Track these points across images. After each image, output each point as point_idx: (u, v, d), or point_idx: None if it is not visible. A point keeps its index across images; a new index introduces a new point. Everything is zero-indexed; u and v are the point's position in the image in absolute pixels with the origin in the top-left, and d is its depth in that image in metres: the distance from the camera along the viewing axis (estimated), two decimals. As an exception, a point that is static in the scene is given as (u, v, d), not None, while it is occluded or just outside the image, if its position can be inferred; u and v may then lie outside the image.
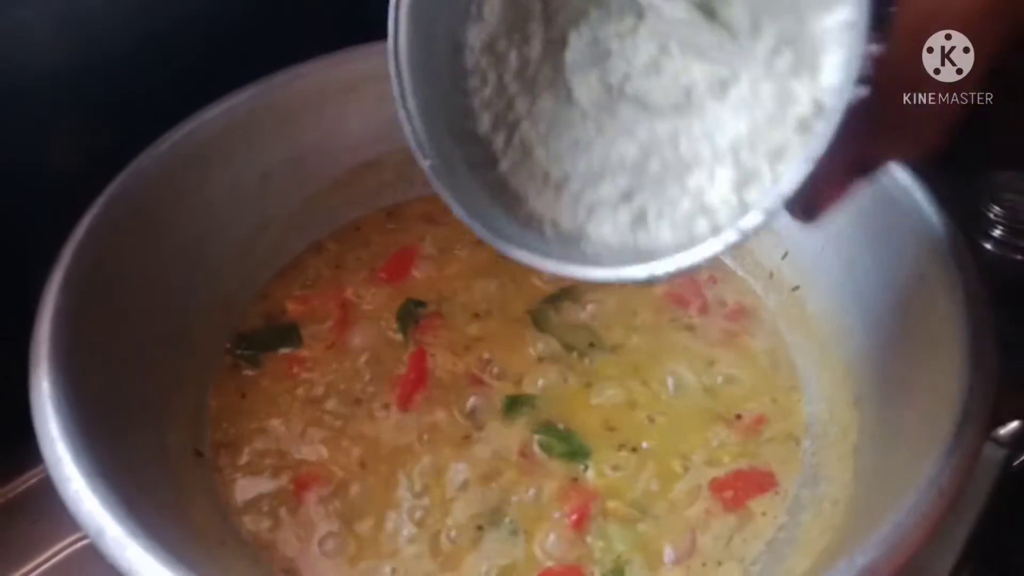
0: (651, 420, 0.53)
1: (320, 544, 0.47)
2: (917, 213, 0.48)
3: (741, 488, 0.49)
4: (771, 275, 0.61)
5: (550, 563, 0.47)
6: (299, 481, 0.50)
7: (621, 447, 0.51)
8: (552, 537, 0.48)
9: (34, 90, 0.55)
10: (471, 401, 0.54)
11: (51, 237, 0.48)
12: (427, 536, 0.48)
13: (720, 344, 0.57)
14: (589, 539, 0.47)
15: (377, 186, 0.67)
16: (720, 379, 0.55)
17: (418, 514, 0.48)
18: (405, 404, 0.53)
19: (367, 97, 0.63)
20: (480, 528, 0.48)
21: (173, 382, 0.52)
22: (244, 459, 0.51)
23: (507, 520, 0.48)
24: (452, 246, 0.63)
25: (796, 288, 0.59)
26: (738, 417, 0.53)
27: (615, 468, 0.50)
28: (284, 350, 0.57)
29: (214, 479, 0.49)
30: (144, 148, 0.54)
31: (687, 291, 0.60)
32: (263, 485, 0.50)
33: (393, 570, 0.46)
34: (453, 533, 0.48)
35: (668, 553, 0.47)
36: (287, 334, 0.57)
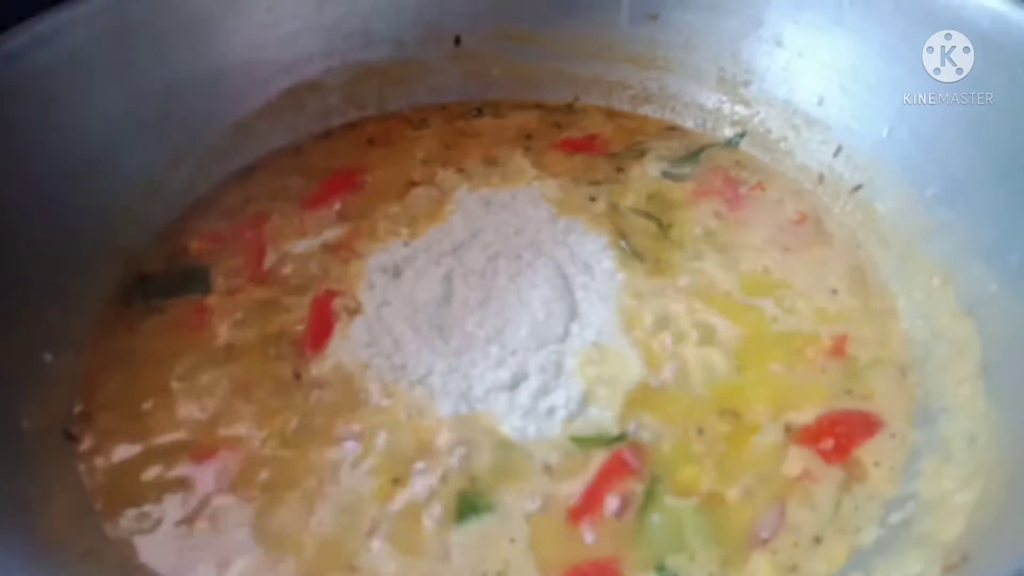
0: (701, 363, 0.40)
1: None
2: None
3: (843, 433, 0.36)
4: (821, 178, 0.48)
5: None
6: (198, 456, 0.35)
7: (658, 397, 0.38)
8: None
9: None
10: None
11: None
12: (397, 527, 0.34)
13: (782, 257, 0.44)
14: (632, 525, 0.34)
15: (321, 111, 0.53)
16: (788, 301, 0.42)
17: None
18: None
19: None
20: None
21: (39, 341, 0.37)
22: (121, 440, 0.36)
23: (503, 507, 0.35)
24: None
25: (858, 188, 0.47)
26: (819, 344, 0.40)
27: (658, 433, 0.37)
28: (190, 296, 0.42)
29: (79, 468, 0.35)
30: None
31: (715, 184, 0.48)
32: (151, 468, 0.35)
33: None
34: (430, 519, 0.34)
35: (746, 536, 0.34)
36: (193, 277, 0.43)
